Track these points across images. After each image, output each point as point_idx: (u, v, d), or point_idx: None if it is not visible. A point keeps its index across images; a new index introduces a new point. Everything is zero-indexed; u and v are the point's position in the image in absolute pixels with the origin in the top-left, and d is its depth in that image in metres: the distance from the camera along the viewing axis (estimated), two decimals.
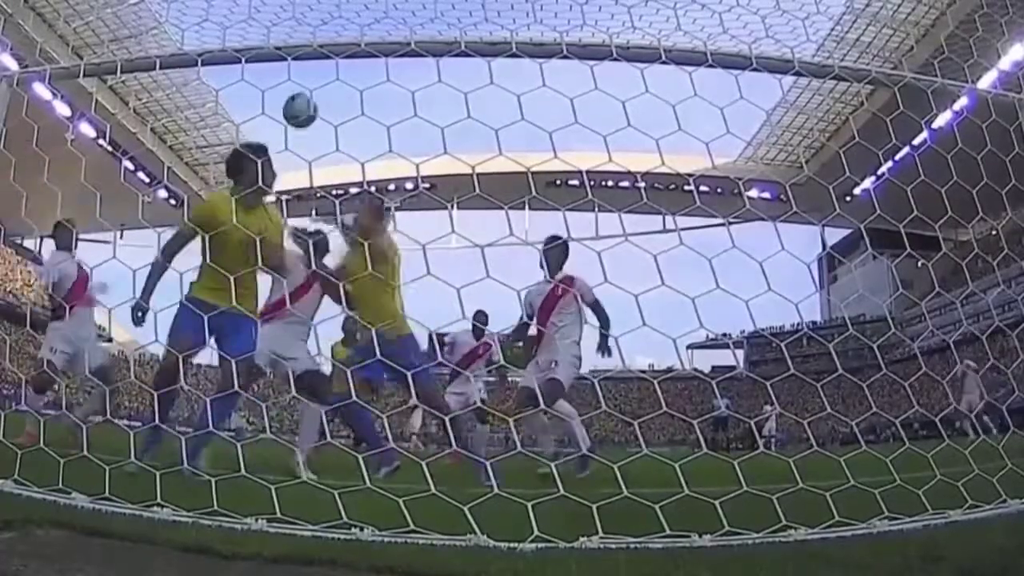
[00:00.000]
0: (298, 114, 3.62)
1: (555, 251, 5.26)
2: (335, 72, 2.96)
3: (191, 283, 3.76)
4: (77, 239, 5.91)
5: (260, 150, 3.66)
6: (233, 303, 3.38)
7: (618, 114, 2.79)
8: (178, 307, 3.68)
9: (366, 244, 4.05)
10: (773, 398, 18.45)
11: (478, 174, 2.82)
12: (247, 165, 3.64)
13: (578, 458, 4.75)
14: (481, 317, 7.45)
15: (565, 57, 2.96)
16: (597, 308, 5.14)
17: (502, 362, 7.05)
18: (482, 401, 8.03)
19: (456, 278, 2.37)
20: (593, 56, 3.00)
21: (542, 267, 5.18)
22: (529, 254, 5.28)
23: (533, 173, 3.41)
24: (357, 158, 3.03)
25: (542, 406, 4.85)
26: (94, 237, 6.32)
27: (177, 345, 3.52)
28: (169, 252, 3.66)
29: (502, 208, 2.90)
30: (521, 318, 5.24)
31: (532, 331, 5.36)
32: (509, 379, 7.65)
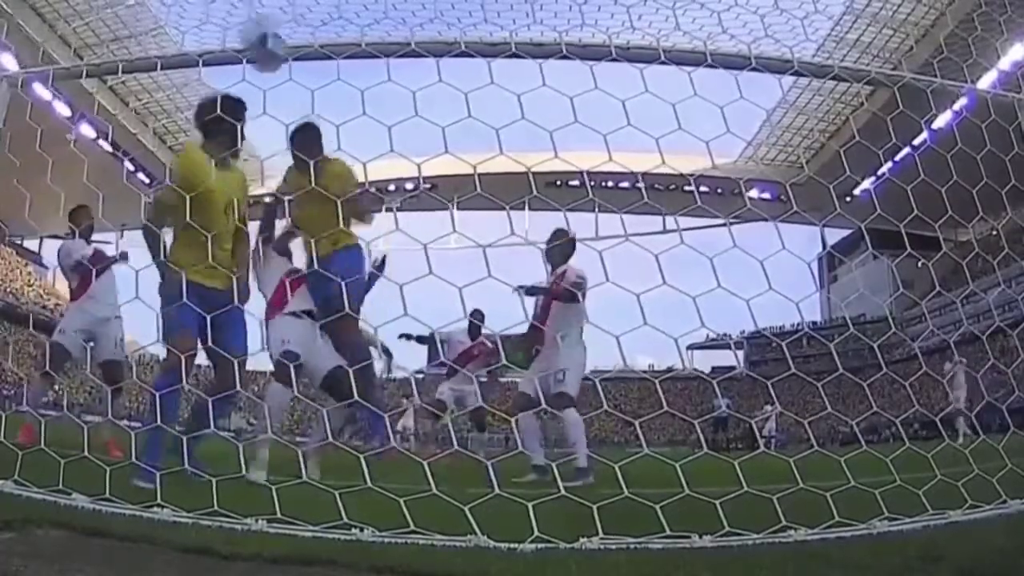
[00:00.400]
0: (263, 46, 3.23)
1: (556, 245, 5.11)
2: (335, 72, 2.95)
3: (167, 261, 3.36)
4: (92, 228, 5.84)
5: (235, 102, 3.35)
6: (229, 283, 3.20)
7: (618, 114, 2.79)
8: (170, 293, 3.29)
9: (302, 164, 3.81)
10: (774, 398, 18.45)
11: (479, 174, 2.82)
12: (220, 118, 3.28)
13: (577, 468, 4.56)
14: (478, 316, 7.39)
15: (565, 57, 2.96)
16: (571, 297, 4.85)
17: (505, 362, 6.99)
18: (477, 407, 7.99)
19: (457, 278, 2.37)
20: (593, 56, 3.00)
21: (545, 264, 5.06)
22: (530, 254, 5.23)
23: (533, 173, 3.40)
24: (358, 158, 3.04)
25: (540, 409, 4.77)
26: (95, 237, 6.28)
27: (181, 344, 3.21)
28: (158, 232, 3.34)
29: (503, 208, 2.90)
30: (530, 324, 5.04)
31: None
32: (500, 380, 7.62)
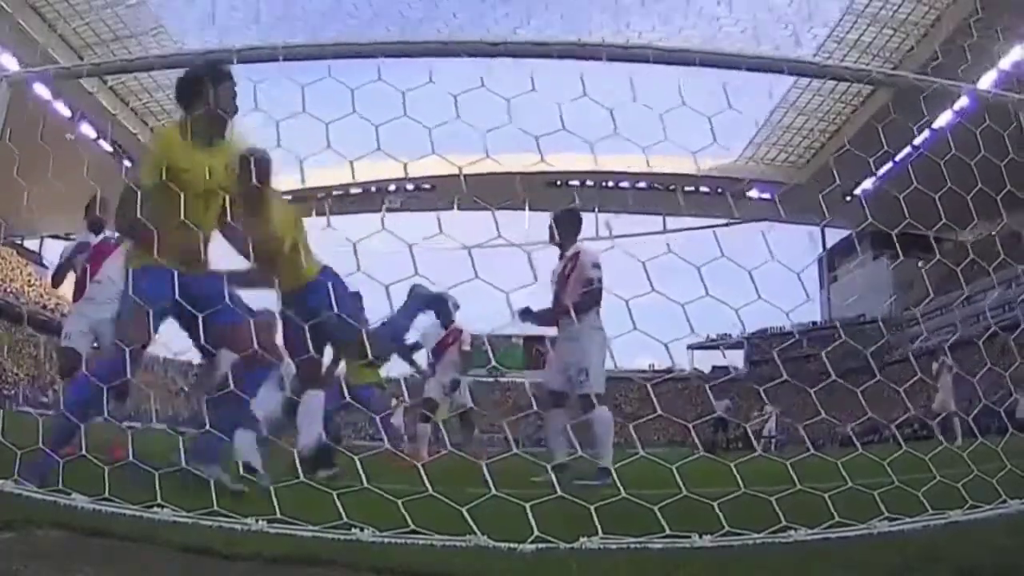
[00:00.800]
0: None
1: (560, 220, 4.93)
2: (330, 72, 2.90)
3: (128, 252, 2.99)
4: (101, 223, 5.39)
5: (212, 70, 2.99)
6: (204, 267, 2.86)
7: (618, 114, 2.78)
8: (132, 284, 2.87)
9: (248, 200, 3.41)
10: (765, 398, 18.43)
11: (478, 175, 2.82)
12: (202, 88, 2.92)
13: (599, 468, 4.30)
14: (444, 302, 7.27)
15: (563, 57, 2.96)
16: (593, 289, 4.60)
17: (495, 363, 6.91)
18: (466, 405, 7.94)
19: (455, 279, 2.37)
20: (590, 56, 3.00)
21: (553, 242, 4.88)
22: (528, 254, 5.13)
23: (533, 174, 3.39)
24: (350, 158, 2.99)
25: (563, 407, 4.65)
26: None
27: (133, 333, 2.79)
28: (128, 226, 2.89)
29: (502, 209, 2.90)
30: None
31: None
32: (461, 380, 7.53)
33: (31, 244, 44.16)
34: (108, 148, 35.73)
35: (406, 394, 10.30)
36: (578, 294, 4.63)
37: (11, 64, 23.54)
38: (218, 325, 2.84)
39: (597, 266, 4.67)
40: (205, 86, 2.92)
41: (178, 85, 3.09)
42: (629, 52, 3.00)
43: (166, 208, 2.79)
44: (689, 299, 2.43)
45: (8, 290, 36.26)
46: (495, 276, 2.34)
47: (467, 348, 7.58)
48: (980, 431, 3.42)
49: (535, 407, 4.90)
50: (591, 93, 2.70)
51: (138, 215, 2.78)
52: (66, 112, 31.72)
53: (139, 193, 2.84)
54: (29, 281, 39.72)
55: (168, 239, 2.81)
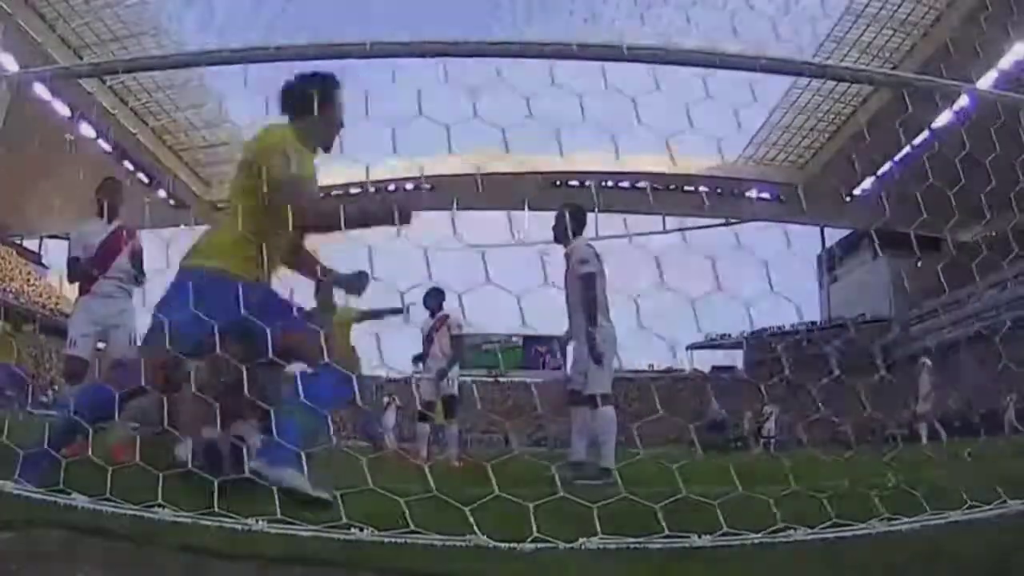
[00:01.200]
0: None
1: (559, 218, 4.94)
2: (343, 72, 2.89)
3: (194, 250, 2.56)
4: (114, 205, 4.96)
5: (324, 79, 2.69)
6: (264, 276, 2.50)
7: (618, 115, 2.78)
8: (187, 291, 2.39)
9: None
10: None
11: (480, 174, 2.81)
12: (327, 95, 2.61)
13: (599, 468, 4.29)
14: (436, 295, 7.19)
15: (572, 58, 2.95)
16: (585, 287, 4.62)
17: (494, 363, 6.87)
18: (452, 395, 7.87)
19: (458, 280, 2.37)
20: (598, 57, 2.99)
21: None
22: (528, 255, 5.15)
23: (534, 173, 3.38)
24: (362, 160, 2.97)
25: (581, 407, 4.68)
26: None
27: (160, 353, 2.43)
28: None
29: (502, 209, 2.89)
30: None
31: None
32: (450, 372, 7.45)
33: (31, 244, 44.16)
34: (108, 148, 35.73)
35: (416, 391, 10.22)
36: (576, 295, 4.66)
37: (11, 64, 23.54)
38: (289, 334, 2.41)
39: (584, 262, 4.68)
40: (330, 92, 2.66)
41: (297, 87, 2.69)
42: (633, 54, 3.00)
43: (272, 213, 2.46)
44: (699, 295, 2.40)
45: (8, 290, 36.25)
46: (498, 276, 2.34)
47: (456, 332, 7.53)
48: (974, 432, 3.42)
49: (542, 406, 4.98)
50: (592, 90, 2.70)
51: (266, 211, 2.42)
52: (66, 112, 31.71)
53: (289, 185, 2.43)
54: (28, 280, 39.73)
55: (242, 246, 2.48)
